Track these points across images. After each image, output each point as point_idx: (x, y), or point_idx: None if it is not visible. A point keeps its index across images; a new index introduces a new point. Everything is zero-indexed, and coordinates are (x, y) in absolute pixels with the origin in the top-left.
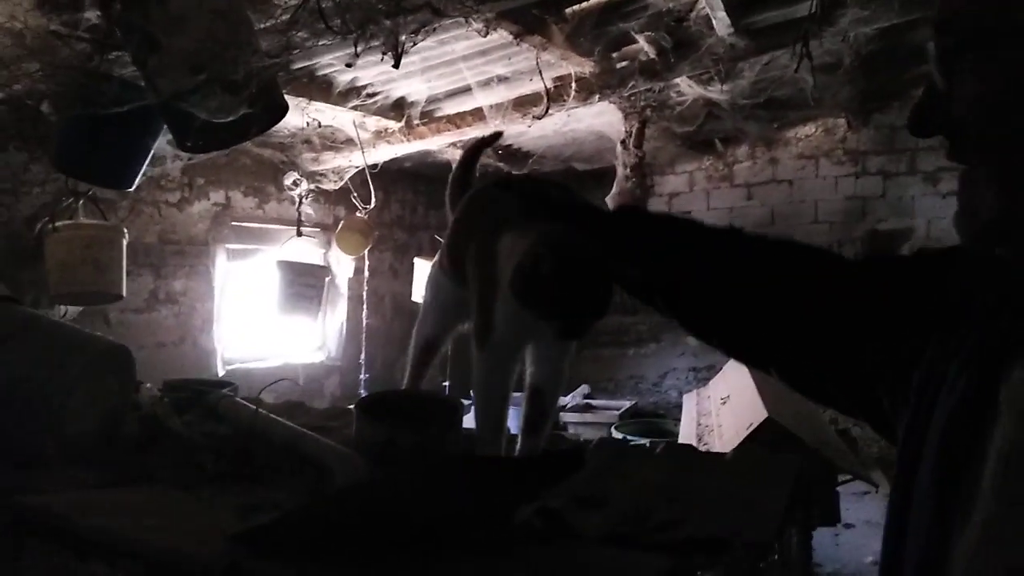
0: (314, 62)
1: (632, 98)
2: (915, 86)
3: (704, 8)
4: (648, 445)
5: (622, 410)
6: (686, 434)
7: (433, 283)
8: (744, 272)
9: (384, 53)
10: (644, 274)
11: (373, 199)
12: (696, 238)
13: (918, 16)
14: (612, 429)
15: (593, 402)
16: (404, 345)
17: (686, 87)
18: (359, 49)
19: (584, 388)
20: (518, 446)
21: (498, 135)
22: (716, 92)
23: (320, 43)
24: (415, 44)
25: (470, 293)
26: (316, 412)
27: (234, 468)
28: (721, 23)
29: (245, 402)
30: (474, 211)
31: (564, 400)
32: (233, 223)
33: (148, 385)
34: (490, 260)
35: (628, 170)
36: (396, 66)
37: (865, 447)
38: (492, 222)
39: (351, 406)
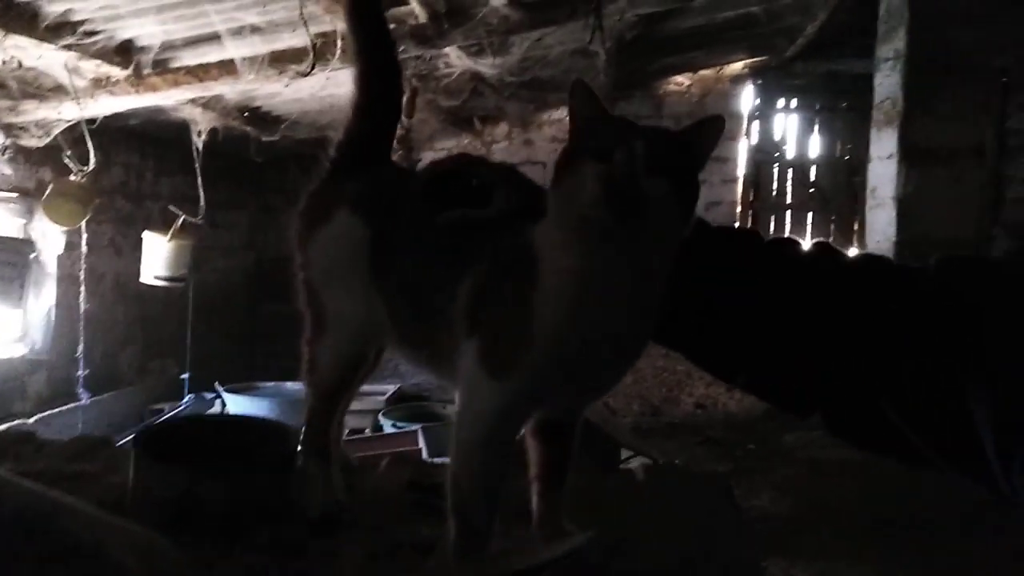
0: None
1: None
2: (656, 78)
3: None
4: None
5: (387, 395)
6: None
7: (348, 279)
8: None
9: None
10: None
11: (92, 160)
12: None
13: (675, 7)
14: (380, 416)
15: None
16: (130, 334)
17: (455, 59)
18: None
19: None
20: (540, 505)
21: None
22: (486, 66)
23: None
24: None
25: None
26: (54, 448)
27: None
28: None
29: None
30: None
31: None
32: None
33: None
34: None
35: (394, 142)
36: None
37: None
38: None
39: (126, 439)
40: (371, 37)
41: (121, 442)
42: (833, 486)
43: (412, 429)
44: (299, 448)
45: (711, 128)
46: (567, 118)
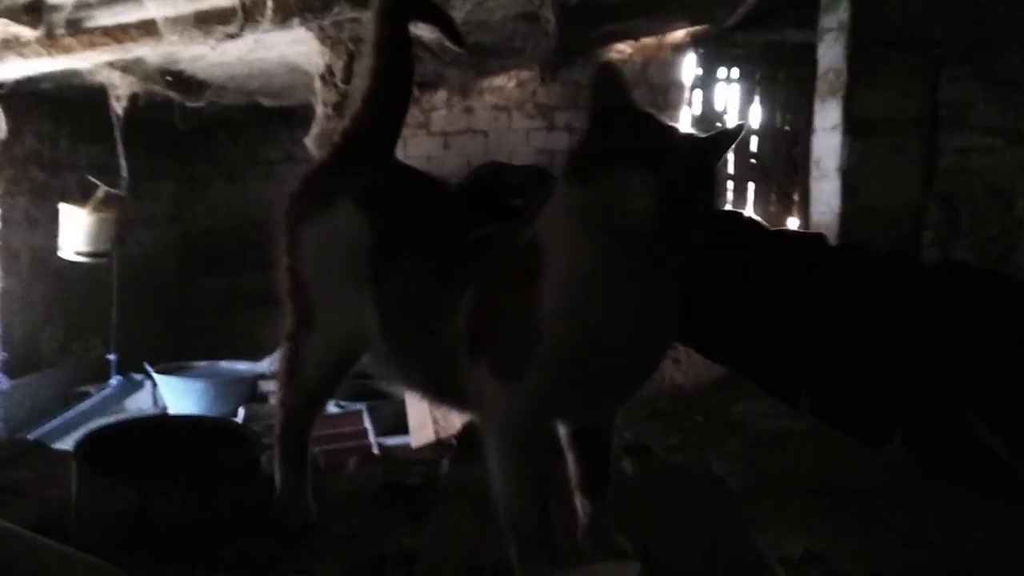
0: None
1: (336, 27)
2: (598, 44)
3: None
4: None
5: None
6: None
7: (343, 278)
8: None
9: None
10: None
11: (3, 128)
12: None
13: None
14: None
15: None
16: (51, 313)
17: None
18: None
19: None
20: (585, 515)
21: None
22: (425, 30)
23: None
24: None
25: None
26: None
27: None
28: None
29: None
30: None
31: (262, 366)
32: None
33: None
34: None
35: (330, 109)
36: None
37: None
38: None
39: (50, 426)
40: (397, 38)
41: (47, 429)
42: (782, 456)
43: (357, 408)
44: (267, 452)
45: (727, 139)
46: (509, 85)
